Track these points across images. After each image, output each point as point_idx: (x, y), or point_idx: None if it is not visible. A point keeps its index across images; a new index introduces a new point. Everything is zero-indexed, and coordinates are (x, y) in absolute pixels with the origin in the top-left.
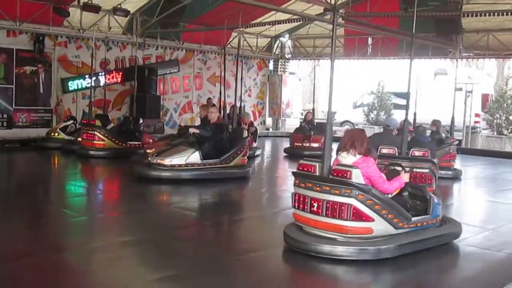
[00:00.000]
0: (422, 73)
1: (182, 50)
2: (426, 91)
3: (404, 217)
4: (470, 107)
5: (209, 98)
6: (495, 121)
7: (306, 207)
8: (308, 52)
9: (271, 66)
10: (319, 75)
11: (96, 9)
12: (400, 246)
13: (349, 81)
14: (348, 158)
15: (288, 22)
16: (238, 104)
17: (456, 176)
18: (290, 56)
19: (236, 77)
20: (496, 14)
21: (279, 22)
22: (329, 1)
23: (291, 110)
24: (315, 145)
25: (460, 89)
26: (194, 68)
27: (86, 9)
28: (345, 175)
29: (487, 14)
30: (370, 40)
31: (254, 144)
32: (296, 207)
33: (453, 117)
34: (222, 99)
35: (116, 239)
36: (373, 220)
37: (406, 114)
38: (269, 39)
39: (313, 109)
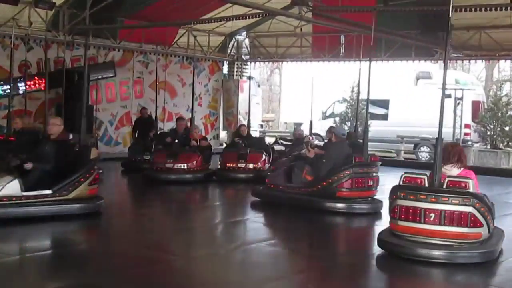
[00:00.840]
0: (402, 77)
1: (119, 51)
2: (406, 98)
3: (493, 221)
4: (460, 117)
5: (143, 108)
6: (488, 132)
7: (418, 218)
8: (270, 53)
9: (225, 69)
10: (280, 79)
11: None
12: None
13: (318, 87)
14: (453, 170)
15: (245, 18)
16: (189, 116)
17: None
18: (248, 57)
19: (193, 83)
20: (489, 9)
21: (235, 17)
22: None
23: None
24: (252, 165)
25: (449, 96)
26: (134, 72)
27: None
28: (463, 185)
29: (479, 9)
30: (343, 39)
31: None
32: (403, 218)
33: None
34: (170, 109)
35: None
36: (482, 225)
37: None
38: (223, 38)
39: (249, 121)
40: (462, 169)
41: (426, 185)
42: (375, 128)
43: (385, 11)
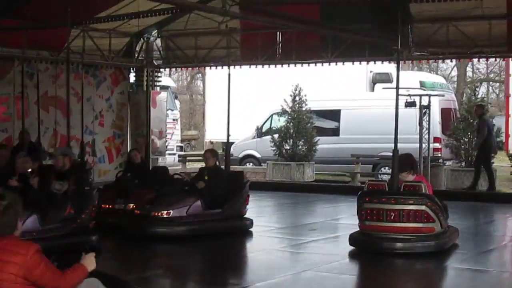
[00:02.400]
0: (355, 82)
1: None
2: (361, 107)
3: (446, 219)
4: (428, 129)
5: (22, 132)
6: (462, 147)
7: (382, 218)
8: (188, 56)
9: (132, 78)
10: (203, 87)
11: None
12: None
13: (250, 96)
14: (408, 176)
15: (154, 15)
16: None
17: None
18: (160, 62)
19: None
20: None
21: (141, 14)
22: None
23: (166, 142)
24: (164, 213)
25: (413, 104)
26: (15, 86)
27: None
28: (417, 188)
29: None
30: (279, 36)
31: None
32: (369, 219)
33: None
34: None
35: None
36: (434, 221)
37: None
38: (128, 39)
39: (147, 145)
40: (415, 175)
41: (387, 189)
42: (324, 146)
43: (331, 3)
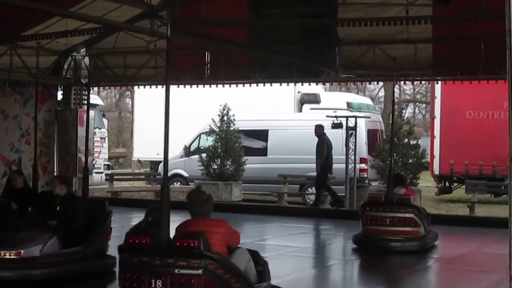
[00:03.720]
0: (283, 102)
1: None
2: (288, 128)
3: (429, 225)
4: (354, 150)
5: None
6: (388, 168)
7: (379, 223)
8: (117, 75)
9: (59, 96)
10: (132, 105)
11: None
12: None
13: (179, 115)
14: (401, 190)
15: (82, 34)
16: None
17: None
18: (88, 80)
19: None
20: (382, 23)
21: (69, 33)
22: (146, 1)
23: (94, 161)
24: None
25: (340, 125)
26: None
27: None
28: (407, 200)
29: (369, 23)
30: (208, 57)
31: None
32: (369, 224)
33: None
34: None
35: None
36: (419, 226)
37: None
38: (56, 57)
39: (20, 173)
40: (405, 189)
41: (383, 201)
42: (252, 165)
43: (260, 24)
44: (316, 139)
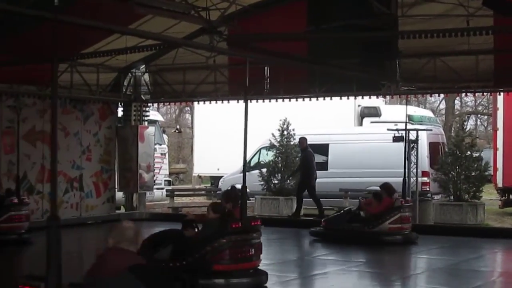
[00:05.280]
0: (343, 116)
1: None
2: (349, 142)
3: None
4: (416, 163)
5: None
6: (450, 181)
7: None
8: (176, 91)
9: (120, 113)
10: (191, 121)
11: None
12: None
13: (238, 131)
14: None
15: (142, 50)
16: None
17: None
18: (148, 97)
19: None
20: (442, 35)
21: (128, 49)
22: (205, 16)
23: (154, 177)
24: None
25: (401, 139)
26: (2, 121)
27: None
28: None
29: (430, 35)
30: (267, 71)
31: None
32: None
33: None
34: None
35: None
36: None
37: None
38: (116, 73)
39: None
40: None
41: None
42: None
43: (319, 39)
44: (377, 153)
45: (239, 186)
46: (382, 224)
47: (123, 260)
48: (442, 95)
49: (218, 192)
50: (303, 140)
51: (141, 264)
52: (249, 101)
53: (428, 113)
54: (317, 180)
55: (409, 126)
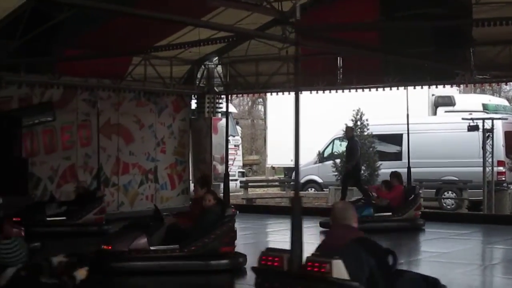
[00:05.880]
0: (417, 105)
1: (58, 88)
2: (423, 131)
3: None
4: (491, 153)
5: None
6: None
7: None
8: (249, 82)
9: (194, 105)
10: (264, 112)
11: None
12: None
13: (311, 121)
14: None
15: (214, 43)
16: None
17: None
18: (221, 89)
19: None
20: None
21: (201, 42)
22: (277, 7)
23: (228, 168)
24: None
25: (476, 128)
26: (78, 114)
27: None
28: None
29: (505, 22)
30: (340, 62)
31: None
32: None
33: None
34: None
35: None
36: None
37: None
38: (190, 66)
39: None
40: None
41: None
42: (386, 170)
43: (391, 27)
44: (451, 142)
45: (312, 177)
46: (409, 211)
47: (348, 234)
48: None
49: (291, 183)
50: (349, 129)
51: (362, 236)
52: (322, 91)
53: (503, 102)
54: (390, 170)
55: (484, 115)
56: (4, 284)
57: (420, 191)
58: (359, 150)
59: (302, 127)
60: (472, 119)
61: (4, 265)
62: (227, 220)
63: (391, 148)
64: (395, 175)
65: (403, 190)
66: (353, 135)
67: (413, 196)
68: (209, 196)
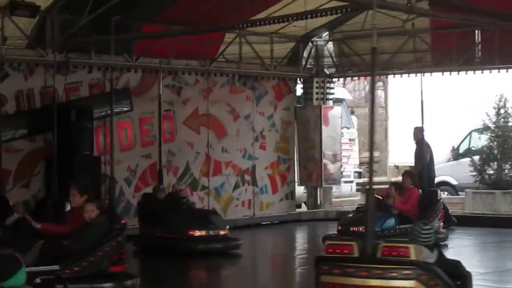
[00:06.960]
0: None
1: (135, 72)
2: None
3: None
4: None
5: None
6: None
7: None
8: (367, 62)
9: (299, 91)
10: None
11: None
12: None
13: (443, 110)
14: None
15: (325, 14)
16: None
17: None
18: (333, 71)
19: None
20: None
21: (309, 13)
22: None
23: (342, 168)
24: None
25: None
26: (161, 103)
27: None
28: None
29: None
30: (478, 36)
31: None
32: None
33: None
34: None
35: None
36: None
37: None
38: (294, 44)
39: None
40: None
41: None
42: None
43: None
44: None
45: (445, 178)
46: (434, 220)
47: None
48: None
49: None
50: (416, 131)
51: None
52: (457, 72)
53: None
54: None
55: None
56: None
57: (442, 197)
58: (427, 156)
59: (432, 117)
60: None
61: None
62: (115, 233)
63: None
64: (408, 174)
65: (419, 194)
66: (423, 137)
67: (434, 202)
68: (90, 205)
